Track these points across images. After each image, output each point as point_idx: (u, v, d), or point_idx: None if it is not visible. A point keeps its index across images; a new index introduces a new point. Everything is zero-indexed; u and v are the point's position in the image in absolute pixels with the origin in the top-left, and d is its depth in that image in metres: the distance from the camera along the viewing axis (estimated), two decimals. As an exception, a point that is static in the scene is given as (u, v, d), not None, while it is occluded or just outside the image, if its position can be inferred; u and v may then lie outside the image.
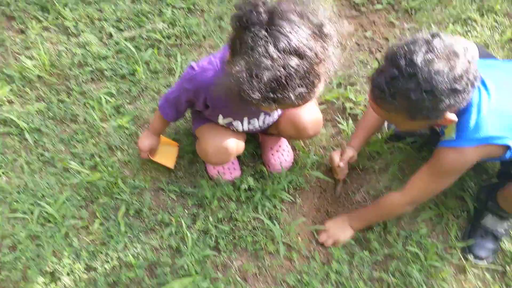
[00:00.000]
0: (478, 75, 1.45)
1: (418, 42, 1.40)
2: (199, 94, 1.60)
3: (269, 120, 1.82)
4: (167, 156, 2.03)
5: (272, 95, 1.24)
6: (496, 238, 1.96)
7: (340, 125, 2.27)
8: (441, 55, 1.37)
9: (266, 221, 1.92)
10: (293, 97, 1.26)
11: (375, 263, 1.94)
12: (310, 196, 2.11)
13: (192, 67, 1.56)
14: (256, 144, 2.17)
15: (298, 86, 1.25)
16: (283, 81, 1.22)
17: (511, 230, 2.01)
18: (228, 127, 1.80)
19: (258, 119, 1.77)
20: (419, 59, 1.37)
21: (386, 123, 2.24)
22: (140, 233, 1.91)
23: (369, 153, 2.18)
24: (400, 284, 1.87)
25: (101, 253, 1.86)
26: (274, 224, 1.95)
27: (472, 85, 1.43)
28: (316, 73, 1.27)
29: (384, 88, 1.44)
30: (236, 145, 1.78)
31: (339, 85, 2.37)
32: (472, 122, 1.54)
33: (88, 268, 1.84)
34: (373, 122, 2.04)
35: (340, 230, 1.96)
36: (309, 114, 1.83)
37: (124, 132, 2.16)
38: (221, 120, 1.74)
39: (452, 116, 1.48)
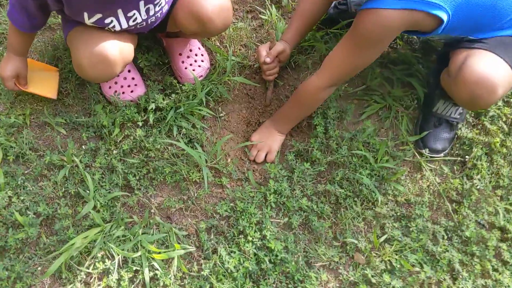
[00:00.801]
0: None
1: None
2: None
3: (156, 10, 1.37)
4: (44, 84, 1.57)
5: None
6: (451, 125, 1.71)
7: (262, 16, 1.86)
8: None
9: (183, 146, 1.55)
10: None
11: (319, 175, 1.65)
12: (236, 108, 1.75)
13: None
14: (161, 52, 1.74)
15: None
16: None
17: (467, 115, 1.76)
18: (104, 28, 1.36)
19: (139, 11, 1.33)
20: None
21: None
22: (26, 182, 1.50)
23: (301, 46, 1.81)
24: (350, 194, 1.61)
25: (-22, 215, 1.45)
26: (195, 148, 1.59)
27: None
28: None
29: None
30: (118, 49, 1.35)
31: (256, -35, 1.93)
32: None
33: (-37, 237, 1.44)
34: (310, 8, 1.64)
35: (268, 139, 1.65)
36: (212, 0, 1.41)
37: (-13, 57, 1.66)
38: (88, 19, 1.29)
39: None
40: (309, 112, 1.66)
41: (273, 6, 1.87)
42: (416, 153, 1.72)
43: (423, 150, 1.71)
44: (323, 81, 1.49)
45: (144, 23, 1.39)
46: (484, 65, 1.33)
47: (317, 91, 1.52)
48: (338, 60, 1.45)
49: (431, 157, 1.71)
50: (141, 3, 1.29)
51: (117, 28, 1.34)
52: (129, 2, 1.27)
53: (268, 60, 1.62)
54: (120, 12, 1.28)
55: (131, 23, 1.34)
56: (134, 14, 1.32)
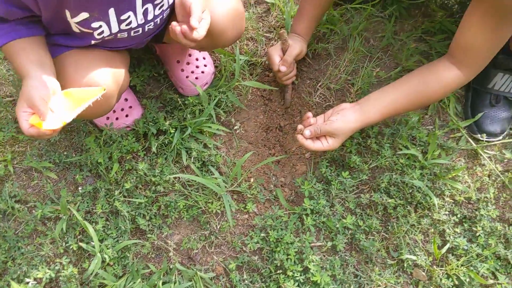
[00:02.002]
0: None
1: None
2: None
3: (156, 15, 1.09)
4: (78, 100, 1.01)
5: None
6: (510, 102, 1.42)
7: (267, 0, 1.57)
8: None
9: (196, 177, 1.30)
10: None
11: (361, 184, 1.39)
12: (252, 114, 1.48)
13: None
14: (154, 62, 1.47)
15: None
16: None
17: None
18: (88, 41, 1.07)
19: (135, 12, 1.04)
20: None
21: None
22: (21, 242, 1.27)
23: (317, 30, 1.52)
24: (400, 202, 1.35)
25: (-32, 291, 1.23)
26: (211, 173, 1.34)
27: None
28: None
29: None
30: (112, 78, 1.08)
31: None
32: None
33: (-44, 320, 1.22)
34: None
35: (346, 124, 1.22)
36: (223, 7, 1.12)
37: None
38: (71, 19, 0.99)
39: None
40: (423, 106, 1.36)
41: (277, -15, 1.58)
42: (470, 140, 1.45)
43: (479, 135, 1.44)
44: (469, 75, 1.17)
45: (140, 29, 1.10)
46: None
47: (456, 85, 1.19)
48: (484, 42, 1.11)
49: (487, 142, 1.44)
50: (138, 2, 1.00)
51: (106, 33, 1.05)
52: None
53: (283, 68, 1.34)
54: (112, 12, 0.99)
55: (123, 26, 1.06)
56: (129, 17, 1.04)
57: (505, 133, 1.44)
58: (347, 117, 1.22)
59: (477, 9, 1.08)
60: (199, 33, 0.97)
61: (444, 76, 1.18)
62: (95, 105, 1.05)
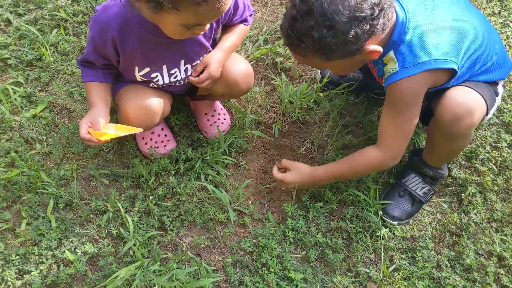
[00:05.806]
0: None
1: None
2: (106, 37, 1.43)
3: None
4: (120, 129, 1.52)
5: None
6: (413, 200, 1.86)
7: (273, 82, 2.16)
8: None
9: (211, 188, 1.78)
10: None
11: (331, 213, 1.85)
12: (254, 157, 2.00)
13: (95, 11, 1.43)
14: (189, 113, 2.02)
15: None
16: None
17: (460, 158, 1.98)
18: (148, 85, 1.65)
19: (179, 69, 1.62)
20: None
21: (319, 71, 2.16)
22: (75, 226, 1.71)
23: (307, 104, 2.09)
24: (359, 229, 1.80)
25: (34, 254, 1.64)
26: (221, 191, 1.82)
27: (381, 8, 1.32)
28: None
29: (288, 32, 1.36)
30: (159, 103, 1.63)
31: (266, 41, 2.26)
32: (410, 48, 1.43)
33: (21, 273, 1.62)
34: None
35: (297, 175, 1.77)
36: (239, 66, 1.72)
37: (40, 122, 1.94)
38: (137, 74, 1.58)
39: (375, 47, 1.38)
40: (357, 177, 1.87)
41: (282, 73, 2.18)
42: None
43: (381, 212, 1.85)
44: (389, 154, 1.60)
45: (182, 81, 1.69)
46: (461, 93, 1.52)
47: (381, 164, 1.65)
48: (392, 130, 1.57)
49: (384, 220, 1.85)
50: (182, 62, 1.59)
51: (160, 82, 1.63)
52: (173, 59, 1.57)
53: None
54: (164, 68, 1.58)
55: (172, 79, 1.64)
56: (176, 72, 1.62)
57: (402, 222, 1.84)
58: (301, 165, 1.79)
59: (386, 101, 1.56)
60: (200, 77, 1.61)
61: (368, 155, 1.64)
62: (145, 118, 1.61)
